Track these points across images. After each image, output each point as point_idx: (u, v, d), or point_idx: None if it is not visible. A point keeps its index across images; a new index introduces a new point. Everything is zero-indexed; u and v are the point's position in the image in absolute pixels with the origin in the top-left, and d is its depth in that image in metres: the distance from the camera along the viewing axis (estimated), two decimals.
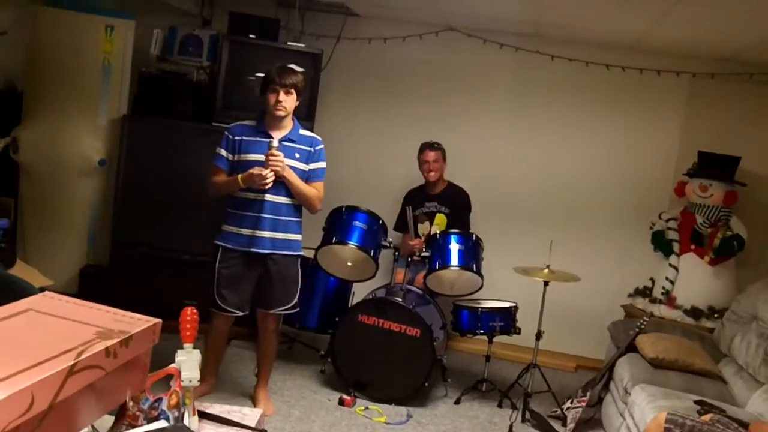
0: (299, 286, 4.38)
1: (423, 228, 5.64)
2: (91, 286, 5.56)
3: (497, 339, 5.11)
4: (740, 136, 5.83)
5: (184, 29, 5.87)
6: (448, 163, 5.72)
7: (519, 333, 5.07)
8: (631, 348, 4.74)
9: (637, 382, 4.20)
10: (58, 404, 1.35)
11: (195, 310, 1.89)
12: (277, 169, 4.03)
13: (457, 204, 5.68)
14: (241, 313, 4.32)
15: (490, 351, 5.13)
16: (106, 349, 1.49)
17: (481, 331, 5.02)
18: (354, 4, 5.88)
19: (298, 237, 4.31)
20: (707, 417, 3.36)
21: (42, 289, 2.12)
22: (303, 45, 5.79)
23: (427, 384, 4.77)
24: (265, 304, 4.33)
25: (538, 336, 4.90)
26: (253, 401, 4.49)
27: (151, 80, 5.74)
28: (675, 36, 5.29)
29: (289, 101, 4.11)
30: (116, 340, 1.53)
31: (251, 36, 5.67)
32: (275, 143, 4.04)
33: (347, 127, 6.35)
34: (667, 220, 5.75)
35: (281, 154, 4.04)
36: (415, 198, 5.79)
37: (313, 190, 4.24)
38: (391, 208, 5.67)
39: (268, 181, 4.01)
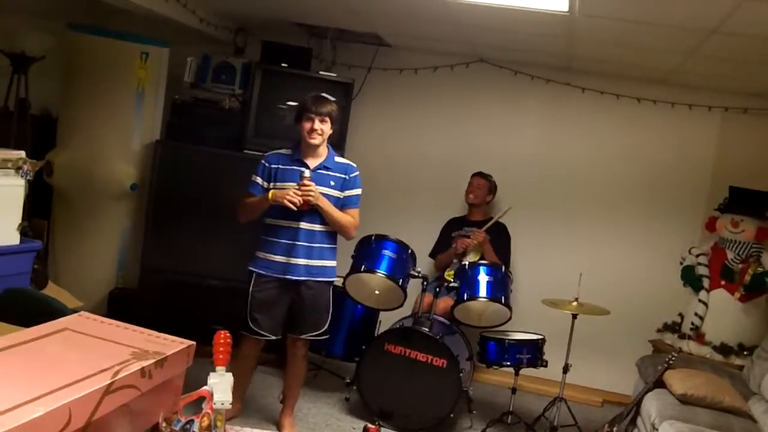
0: (330, 313, 4.39)
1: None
2: (119, 308, 5.59)
3: (523, 371, 5.07)
4: None
5: (217, 57, 5.96)
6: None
7: (546, 366, 5.02)
8: (659, 383, 4.68)
9: (665, 418, 4.15)
10: (94, 423, 1.36)
11: (228, 334, 1.90)
12: (310, 198, 4.05)
13: (497, 233, 5.68)
14: (273, 337, 4.32)
15: (517, 383, 5.08)
16: (142, 369, 1.51)
17: (508, 363, 4.98)
18: (386, 35, 5.94)
19: (333, 263, 4.33)
20: None
21: (74, 311, 2.14)
22: (335, 74, 5.84)
23: (452, 415, 4.74)
24: (297, 329, 4.34)
25: (566, 369, 4.86)
26: (278, 427, 4.49)
27: (183, 107, 5.81)
28: (707, 71, 5.28)
29: (324, 129, 4.14)
30: (152, 361, 1.54)
31: (283, 65, 5.73)
32: (307, 173, 4.06)
33: (378, 155, 6.38)
34: (698, 255, 5.69)
35: (313, 184, 4.07)
36: (455, 224, 5.88)
37: (347, 217, 4.25)
38: (421, 236, 5.68)
39: (292, 204, 4.01)
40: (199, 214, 5.61)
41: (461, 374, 4.72)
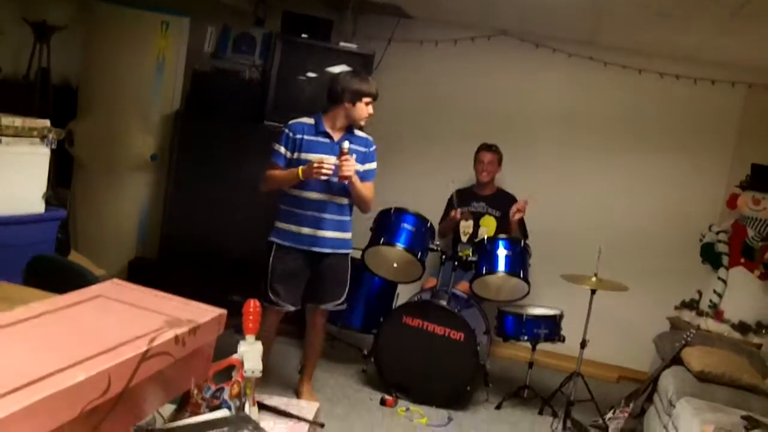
0: (348, 283, 4.43)
1: (466, 226, 5.54)
2: (139, 278, 5.61)
3: (540, 346, 5.09)
4: None
5: (237, 28, 5.95)
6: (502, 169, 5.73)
7: (563, 341, 5.04)
8: (677, 360, 4.68)
9: (683, 395, 4.15)
10: (130, 389, 1.38)
11: (257, 303, 1.92)
12: (349, 173, 4.05)
13: (508, 209, 5.52)
14: (293, 308, 4.35)
15: (534, 358, 5.11)
16: (176, 336, 1.52)
17: (526, 338, 5.00)
18: (407, 7, 5.89)
19: (350, 235, 4.38)
20: None
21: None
22: (355, 46, 5.81)
23: (468, 388, 4.77)
24: (318, 299, 4.39)
25: (583, 344, 4.86)
26: (297, 394, 4.54)
27: (203, 77, 5.80)
28: (731, 48, 5.22)
29: None
30: (185, 329, 1.56)
31: (304, 36, 5.71)
32: (346, 145, 4.05)
33: (396, 127, 6.34)
34: (718, 233, 5.67)
35: (354, 158, 4.08)
36: (464, 197, 5.69)
37: (370, 192, 4.29)
38: (439, 211, 5.66)
39: (324, 172, 3.97)
40: (219, 185, 5.62)
41: (478, 348, 4.74)
